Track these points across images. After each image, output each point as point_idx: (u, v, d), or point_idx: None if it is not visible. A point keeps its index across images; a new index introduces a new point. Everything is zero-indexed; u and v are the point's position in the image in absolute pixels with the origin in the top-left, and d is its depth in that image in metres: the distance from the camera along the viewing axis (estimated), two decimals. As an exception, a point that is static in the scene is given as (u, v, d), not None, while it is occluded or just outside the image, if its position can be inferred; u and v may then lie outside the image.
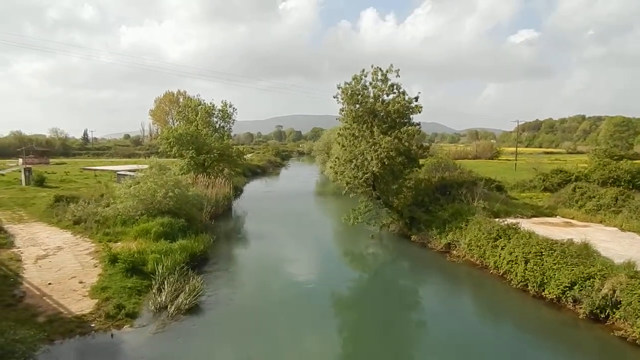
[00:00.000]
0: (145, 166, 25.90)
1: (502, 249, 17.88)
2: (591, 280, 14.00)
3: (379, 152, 22.52)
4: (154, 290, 14.70)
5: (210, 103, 42.07)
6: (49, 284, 14.75)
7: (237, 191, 41.59)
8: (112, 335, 11.94)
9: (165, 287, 14.62)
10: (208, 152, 36.66)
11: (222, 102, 42.94)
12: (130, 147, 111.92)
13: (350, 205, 26.72)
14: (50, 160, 73.46)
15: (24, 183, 38.16)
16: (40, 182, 38.02)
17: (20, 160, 65.41)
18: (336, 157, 26.42)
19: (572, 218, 25.04)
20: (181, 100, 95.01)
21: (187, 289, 14.60)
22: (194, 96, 44.51)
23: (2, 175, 46.71)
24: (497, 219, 21.03)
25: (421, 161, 26.52)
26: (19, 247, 18.94)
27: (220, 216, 29.92)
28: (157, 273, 15.53)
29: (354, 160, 23.67)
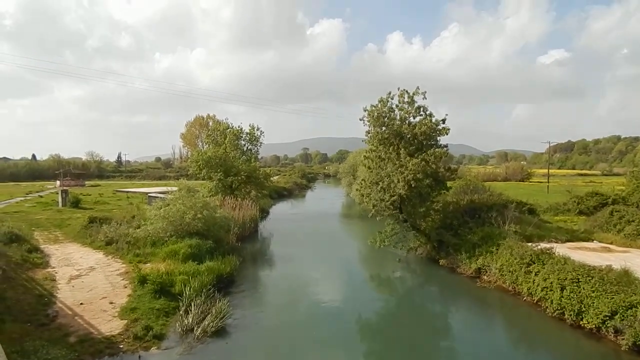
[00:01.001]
0: (175, 188, 26.31)
1: (535, 274, 17.22)
2: (633, 309, 13.25)
3: (405, 174, 22.26)
4: (181, 312, 14.77)
5: (239, 126, 43.02)
6: (81, 304, 15.04)
7: (264, 213, 41.83)
8: (139, 357, 11.99)
9: (192, 309, 14.67)
10: (236, 175, 37.18)
11: (249, 125, 43.85)
12: (161, 170, 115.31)
13: (376, 227, 26.47)
14: (86, 182, 76.20)
15: (60, 204, 39.48)
16: (76, 204, 39.29)
17: (58, 182, 68.24)
18: (362, 180, 26.33)
19: (610, 243, 24.03)
20: (210, 123, 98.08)
21: (213, 311, 14.64)
22: (223, 120, 45.78)
23: (41, 197, 48.58)
24: (529, 243, 20.35)
25: (449, 183, 26.07)
26: (53, 267, 19.48)
27: (247, 238, 30.02)
28: (184, 295, 15.61)
29: (380, 183, 23.45)
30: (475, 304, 18.21)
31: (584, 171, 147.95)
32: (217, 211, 25.62)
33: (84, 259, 20.97)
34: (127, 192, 56.01)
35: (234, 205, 31.77)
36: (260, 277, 22.12)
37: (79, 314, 14.19)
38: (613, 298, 13.87)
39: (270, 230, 35.09)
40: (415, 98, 23.85)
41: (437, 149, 23.49)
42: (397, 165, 23.01)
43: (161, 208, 23.93)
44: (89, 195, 49.32)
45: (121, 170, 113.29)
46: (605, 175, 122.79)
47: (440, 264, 23.08)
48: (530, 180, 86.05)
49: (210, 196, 30.38)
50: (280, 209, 51.69)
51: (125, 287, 16.87)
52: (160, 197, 29.96)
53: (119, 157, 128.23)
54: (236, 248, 25.11)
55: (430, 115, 23.93)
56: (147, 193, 45.05)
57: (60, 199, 40.29)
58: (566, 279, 15.59)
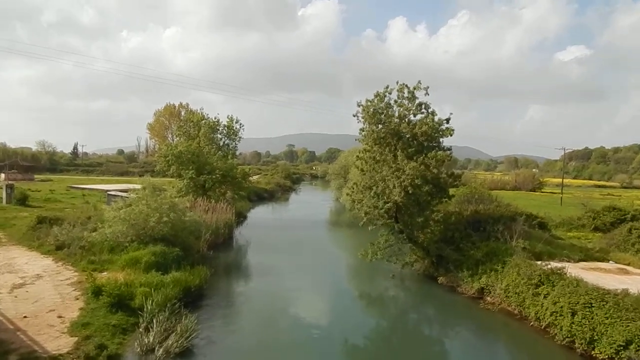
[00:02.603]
0: (139, 186, 26.02)
1: (544, 297, 17.45)
2: (651, 339, 13.46)
3: (402, 179, 22.36)
4: (141, 329, 14.61)
5: (215, 118, 42.93)
6: (25, 317, 14.77)
7: (240, 217, 41.76)
8: (91, 380, 11.83)
9: (154, 326, 14.55)
10: (210, 173, 37.07)
11: (227, 117, 43.87)
12: (124, 164, 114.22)
13: (368, 238, 26.57)
14: (35, 176, 74.99)
15: (4, 201, 38.88)
16: (23, 201, 38.71)
17: (2, 175, 66.95)
18: (354, 183, 26.40)
19: (628, 264, 24.37)
20: (183, 113, 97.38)
21: (178, 329, 14.53)
22: (197, 110, 45.67)
23: (-18, 191, 47.75)
24: (539, 262, 20.61)
25: (452, 191, 26.26)
26: (-7, 274, 19.06)
27: (220, 246, 29.97)
28: (145, 309, 15.46)
29: (374, 188, 23.55)
30: (477, 328, 18.33)
31: (601, 182, 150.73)
32: (186, 214, 25.41)
33: (29, 265, 20.64)
34: (83, 189, 55.41)
35: (207, 208, 31.76)
36: (234, 292, 22.05)
37: (21, 328, 13.94)
38: (629, 326, 14.06)
39: (248, 238, 35.06)
40: (417, 93, 24.04)
41: (439, 152, 23.67)
42: (394, 169, 23.12)
43: (122, 209, 23.74)
44: (39, 191, 48.66)
45: (77, 163, 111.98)
46: (625, 187, 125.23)
47: (439, 281, 23.21)
48: (542, 190, 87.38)
49: (179, 197, 29.66)
50: (259, 214, 51.68)
51: (77, 299, 16.63)
52: (122, 196, 29.60)
53: (75, 148, 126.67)
54: (207, 257, 25.05)
55: (433, 113, 24.11)
56: (106, 191, 44.71)
57: (4, 195, 39.66)
58: (578, 303, 15.77)
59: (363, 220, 24.33)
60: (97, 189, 53.33)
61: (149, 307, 15.53)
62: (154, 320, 14.80)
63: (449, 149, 24.63)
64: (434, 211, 24.60)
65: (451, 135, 24.34)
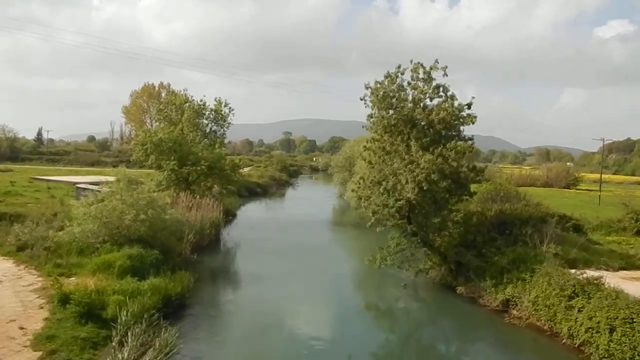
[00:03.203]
0: (112, 179, 26.01)
1: (579, 311, 17.37)
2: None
3: (416, 173, 22.23)
4: (114, 344, 14.52)
5: (201, 101, 42.73)
6: (-20, 328, 14.71)
7: (229, 216, 41.88)
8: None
9: (129, 340, 14.45)
10: (194, 164, 37.02)
11: (215, 99, 43.55)
12: (95, 153, 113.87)
13: (376, 241, 26.56)
14: (-6, 166, 75.09)
15: (-43, 194, 38.69)
16: (-22, 194, 38.52)
17: (-46, 164, 66.77)
18: (360, 177, 26.36)
19: (676, 273, 24.31)
20: (163, 95, 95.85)
21: (157, 344, 14.49)
22: (180, 91, 45.29)
23: None
24: (573, 270, 20.48)
25: (473, 187, 26.13)
26: (-55, 278, 19.00)
27: (206, 248, 29.99)
28: (119, 321, 15.38)
29: (383, 183, 23.50)
30: (501, 346, 18.32)
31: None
32: (167, 211, 25.44)
33: (-14, 269, 20.57)
34: (49, 180, 55.07)
35: (190, 205, 31.82)
36: (221, 301, 22.10)
37: (-24, 341, 13.89)
38: (676, 345, 14.03)
39: (237, 239, 35.13)
40: (433, 74, 23.84)
41: (459, 142, 23.59)
42: (407, 161, 23.00)
43: (93, 204, 23.69)
44: (-3, 183, 48.45)
45: (42, 151, 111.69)
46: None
47: (458, 291, 23.18)
48: (578, 187, 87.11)
49: (159, 191, 29.57)
50: (251, 212, 51.85)
51: (41, 308, 16.57)
52: (92, 190, 29.58)
53: (40, 133, 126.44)
54: (191, 261, 25.19)
55: (452, 97, 23.94)
56: (75, 183, 44.43)
57: (-43, 187, 39.47)
58: (617, 318, 15.68)
59: (371, 221, 24.25)
60: (64, 181, 52.82)
61: (124, 318, 15.37)
62: (129, 334, 14.70)
63: (471, 138, 24.52)
64: (452, 211, 24.64)
65: (473, 123, 24.18)
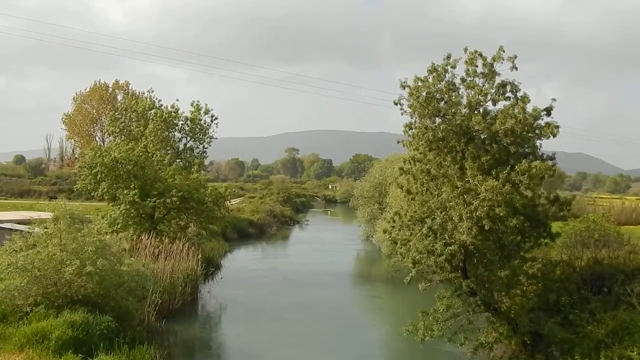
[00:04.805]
0: (48, 215, 24.17)
1: None
2: None
3: (474, 206, 19.71)
4: None
5: (173, 107, 39.38)
6: None
7: (211, 267, 37.69)
8: None
9: None
10: (162, 194, 33.13)
11: (192, 104, 40.36)
12: (25, 179, 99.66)
13: (418, 303, 23.89)
14: None
15: None
16: None
17: None
18: (395, 213, 23.81)
19: None
20: (120, 98, 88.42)
21: None
22: (144, 93, 42.72)
23: None
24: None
25: (556, 226, 22.82)
26: None
27: (178, 312, 27.36)
28: None
29: (428, 220, 21.07)
30: None
31: None
32: (123, 261, 23.37)
33: None
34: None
35: (157, 252, 28.90)
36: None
37: None
38: None
39: (222, 300, 31.64)
40: (497, 67, 20.68)
41: (534, 162, 20.33)
42: (460, 190, 20.36)
43: (21, 251, 21.26)
44: None
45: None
46: None
47: (536, 375, 20.28)
48: None
49: (113, 232, 28.36)
50: (241, 261, 47.56)
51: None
52: (21, 231, 27.38)
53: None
54: (157, 331, 23.42)
55: (525, 99, 20.83)
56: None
57: None
58: None
59: (410, 274, 21.69)
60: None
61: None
62: None
63: (552, 157, 21.40)
64: (526, 260, 21.77)
65: (554, 136, 20.87)
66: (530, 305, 21.92)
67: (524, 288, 22.20)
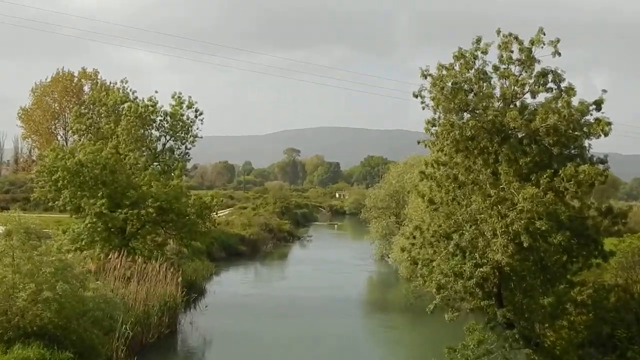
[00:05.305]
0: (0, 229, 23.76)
1: None
2: None
3: (510, 218, 18.75)
4: None
5: (150, 99, 37.60)
6: None
7: (194, 292, 35.12)
8: None
9: None
10: (135, 204, 30.53)
11: (173, 96, 38.58)
12: None
13: (444, 336, 23.19)
14: None
15: None
16: None
17: None
18: (416, 227, 22.88)
19: None
20: (87, 89, 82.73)
21: None
22: (116, 83, 40.60)
23: None
24: None
25: (609, 243, 22.02)
26: None
27: (152, 348, 25.50)
28: None
29: (455, 236, 20.21)
30: None
31: None
32: (88, 285, 22.20)
33: None
34: None
35: (129, 274, 27.44)
36: None
37: None
38: None
39: (206, 332, 29.50)
40: (536, 53, 19.67)
41: (582, 166, 19.05)
42: (494, 199, 19.41)
43: None
44: None
45: None
46: None
47: None
48: None
49: (76, 250, 26.86)
50: (230, 285, 44.78)
51: None
52: None
53: None
54: None
55: (570, 91, 19.63)
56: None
57: None
58: None
59: (434, 302, 20.88)
60: None
61: None
62: None
63: (603, 160, 20.41)
64: (574, 284, 21.00)
65: (606, 135, 19.61)
66: (580, 339, 20.47)
67: (572, 319, 20.75)
